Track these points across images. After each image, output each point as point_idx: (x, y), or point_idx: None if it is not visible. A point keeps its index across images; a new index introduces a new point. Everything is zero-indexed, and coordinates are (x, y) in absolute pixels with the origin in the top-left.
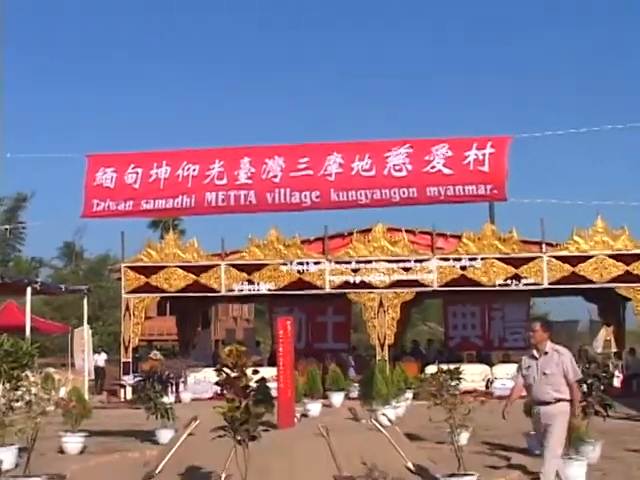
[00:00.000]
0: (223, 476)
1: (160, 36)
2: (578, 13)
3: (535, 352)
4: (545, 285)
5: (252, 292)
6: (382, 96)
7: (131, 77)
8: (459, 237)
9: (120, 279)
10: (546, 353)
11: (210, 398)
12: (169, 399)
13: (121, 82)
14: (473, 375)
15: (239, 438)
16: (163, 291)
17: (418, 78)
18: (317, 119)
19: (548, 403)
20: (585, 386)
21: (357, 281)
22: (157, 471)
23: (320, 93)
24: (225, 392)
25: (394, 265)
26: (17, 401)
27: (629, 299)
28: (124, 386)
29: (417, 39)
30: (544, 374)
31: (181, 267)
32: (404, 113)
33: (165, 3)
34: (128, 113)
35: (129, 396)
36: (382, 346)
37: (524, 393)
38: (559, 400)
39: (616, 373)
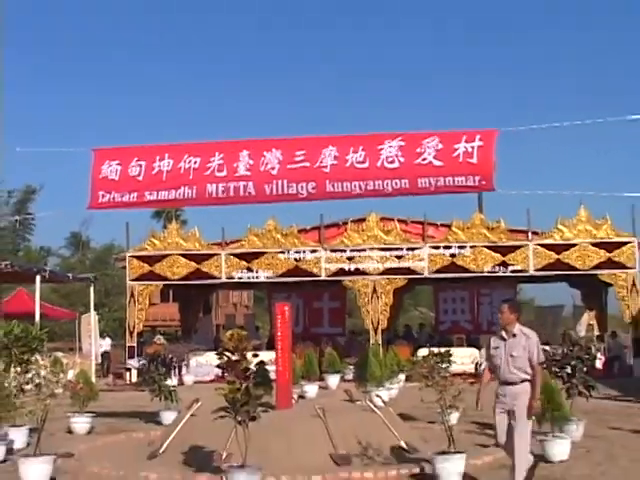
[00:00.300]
0: (224, 455)
1: (160, 36)
2: (578, 13)
3: (504, 333)
4: (531, 272)
5: (251, 279)
6: (381, 96)
7: (131, 77)
8: (449, 226)
9: (125, 267)
10: (514, 335)
11: (211, 380)
12: (172, 382)
13: (121, 82)
14: (463, 358)
15: (239, 419)
16: (166, 279)
17: (418, 78)
18: (316, 119)
19: (514, 384)
20: (569, 368)
21: (352, 268)
22: (161, 450)
23: (320, 93)
24: (226, 375)
25: (387, 253)
26: (27, 384)
27: (610, 285)
28: (129, 369)
29: (417, 39)
30: (511, 356)
31: (183, 255)
32: (404, 113)
33: (165, 3)
34: (128, 113)
35: (134, 379)
36: (376, 330)
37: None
38: (524, 381)
39: (598, 355)
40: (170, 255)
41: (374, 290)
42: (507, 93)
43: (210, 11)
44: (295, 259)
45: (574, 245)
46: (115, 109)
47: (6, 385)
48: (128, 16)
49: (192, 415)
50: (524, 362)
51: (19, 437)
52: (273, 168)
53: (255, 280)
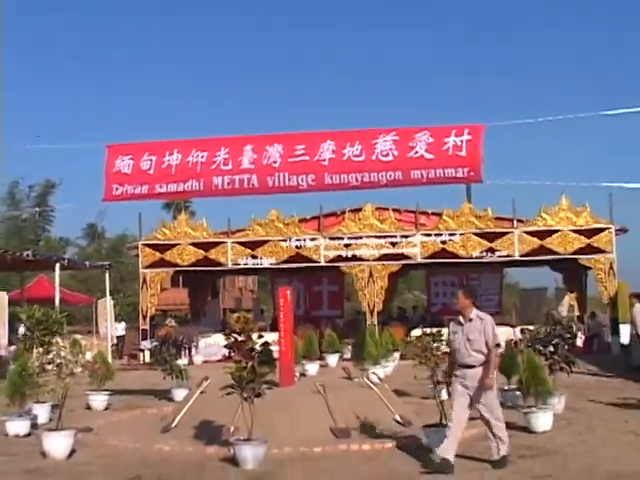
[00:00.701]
0: (232, 429)
1: (161, 36)
2: (578, 13)
3: (461, 318)
4: (516, 257)
5: (255, 266)
6: (379, 95)
7: (132, 77)
8: (440, 215)
9: (138, 255)
10: (471, 320)
11: (219, 360)
12: (183, 361)
13: (123, 81)
14: None
15: (245, 395)
16: (176, 265)
17: (415, 78)
18: (315, 117)
19: (472, 366)
20: (552, 346)
21: (349, 255)
22: (173, 425)
23: (318, 92)
24: (233, 354)
25: (382, 240)
26: (49, 364)
27: (590, 268)
28: (143, 350)
29: (415, 39)
30: (468, 339)
31: (192, 244)
32: (401, 112)
33: (165, 3)
34: (132, 112)
35: (147, 359)
36: (372, 312)
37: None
38: (482, 364)
39: (579, 334)
40: (180, 244)
41: (370, 275)
42: (502, 92)
43: (210, 11)
44: (296, 246)
45: (556, 232)
46: (119, 108)
47: (29, 365)
48: (128, 16)
49: (202, 392)
50: (481, 345)
51: (42, 413)
52: (275, 162)
53: (259, 266)
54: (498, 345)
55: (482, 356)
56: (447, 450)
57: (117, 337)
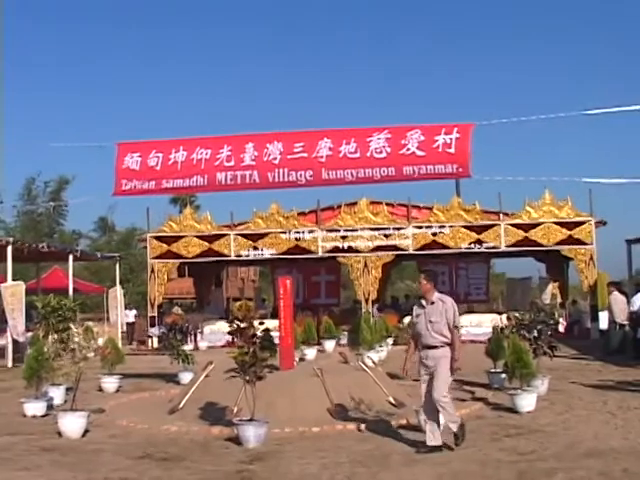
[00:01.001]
0: (235, 410)
1: (163, 40)
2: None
3: (423, 301)
4: (502, 248)
5: (257, 257)
6: (375, 94)
7: (139, 79)
8: (430, 208)
9: (146, 247)
10: (432, 303)
11: (223, 346)
12: (189, 347)
13: (131, 84)
14: None
15: (248, 378)
16: (182, 257)
17: (411, 76)
18: (314, 118)
19: (435, 347)
20: (536, 331)
21: (345, 246)
22: (180, 406)
23: (317, 93)
24: (236, 340)
25: (376, 232)
26: (63, 349)
27: (571, 259)
28: (151, 337)
29: (412, 39)
30: (430, 322)
31: (197, 236)
32: (396, 111)
33: (171, 3)
34: (138, 113)
35: (155, 345)
36: (367, 301)
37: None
38: (444, 344)
39: (561, 320)
40: (185, 236)
41: (365, 265)
42: (491, 91)
43: (211, 15)
44: (295, 238)
45: (540, 224)
46: (128, 109)
47: (45, 350)
48: (131, 21)
49: (206, 376)
50: (442, 327)
51: (58, 395)
52: (275, 158)
53: (260, 257)
54: (456, 327)
55: (443, 337)
56: (432, 436)
57: (127, 324)
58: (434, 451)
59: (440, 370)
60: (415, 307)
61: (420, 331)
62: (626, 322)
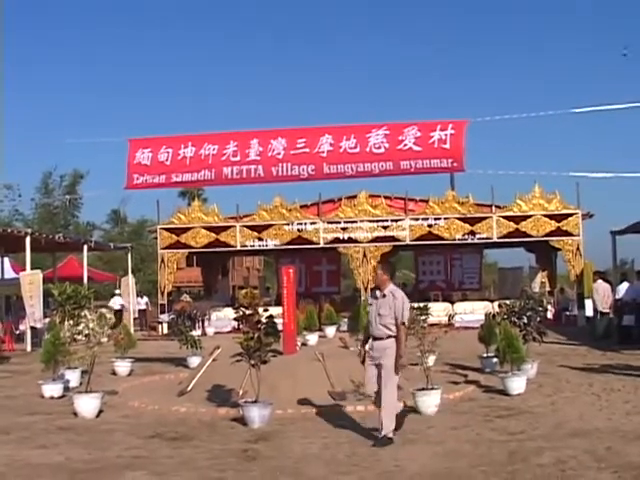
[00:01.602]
0: (240, 392)
1: (168, 39)
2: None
3: (377, 293)
4: (494, 239)
5: (261, 247)
6: (374, 93)
7: (148, 79)
8: (427, 201)
9: (156, 238)
10: (384, 295)
11: (229, 332)
12: (197, 332)
13: (142, 83)
14: (438, 311)
15: (253, 362)
16: (191, 247)
17: (410, 76)
18: (316, 115)
19: (381, 339)
20: (525, 318)
21: (345, 237)
22: (189, 388)
23: (319, 92)
24: (241, 326)
25: (375, 224)
26: (78, 334)
27: (559, 249)
28: (161, 323)
29: (410, 40)
30: (379, 314)
31: (204, 228)
32: (393, 109)
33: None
34: (149, 111)
35: (165, 331)
36: (366, 289)
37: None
38: (390, 337)
39: (549, 308)
40: (194, 227)
41: (364, 255)
42: (487, 90)
43: (212, 14)
44: (298, 230)
45: (530, 216)
46: (140, 107)
47: (61, 335)
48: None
49: (214, 360)
50: (390, 320)
51: (74, 377)
52: (279, 154)
53: (265, 248)
54: (404, 324)
55: (388, 331)
56: (388, 427)
57: (139, 311)
58: (389, 443)
59: (385, 363)
60: (370, 298)
61: (370, 321)
62: (608, 310)
